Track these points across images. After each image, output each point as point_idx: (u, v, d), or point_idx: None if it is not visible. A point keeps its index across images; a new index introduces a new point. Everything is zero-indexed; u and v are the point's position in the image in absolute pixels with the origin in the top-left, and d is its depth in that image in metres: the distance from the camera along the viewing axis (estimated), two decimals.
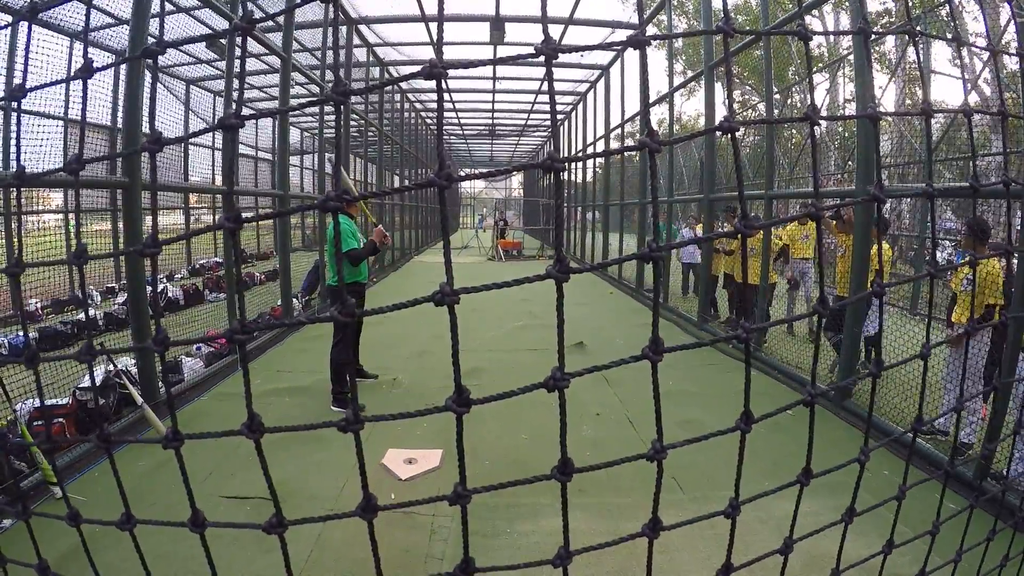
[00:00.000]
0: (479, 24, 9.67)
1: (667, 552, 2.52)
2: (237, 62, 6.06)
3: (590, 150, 14.51)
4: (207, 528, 0.69)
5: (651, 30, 10.53)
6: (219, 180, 12.29)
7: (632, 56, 10.76)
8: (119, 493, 0.74)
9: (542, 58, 0.62)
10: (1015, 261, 3.01)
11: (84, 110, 0.72)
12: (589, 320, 7.68)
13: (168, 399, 0.72)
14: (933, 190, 0.78)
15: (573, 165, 15.25)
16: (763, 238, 5.84)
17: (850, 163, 9.48)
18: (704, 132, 0.75)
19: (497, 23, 9.34)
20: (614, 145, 13.00)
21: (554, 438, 3.71)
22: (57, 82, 0.73)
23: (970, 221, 4.02)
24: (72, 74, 0.66)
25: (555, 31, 10.46)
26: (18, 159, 0.70)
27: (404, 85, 14.44)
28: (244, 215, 0.59)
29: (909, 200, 9.45)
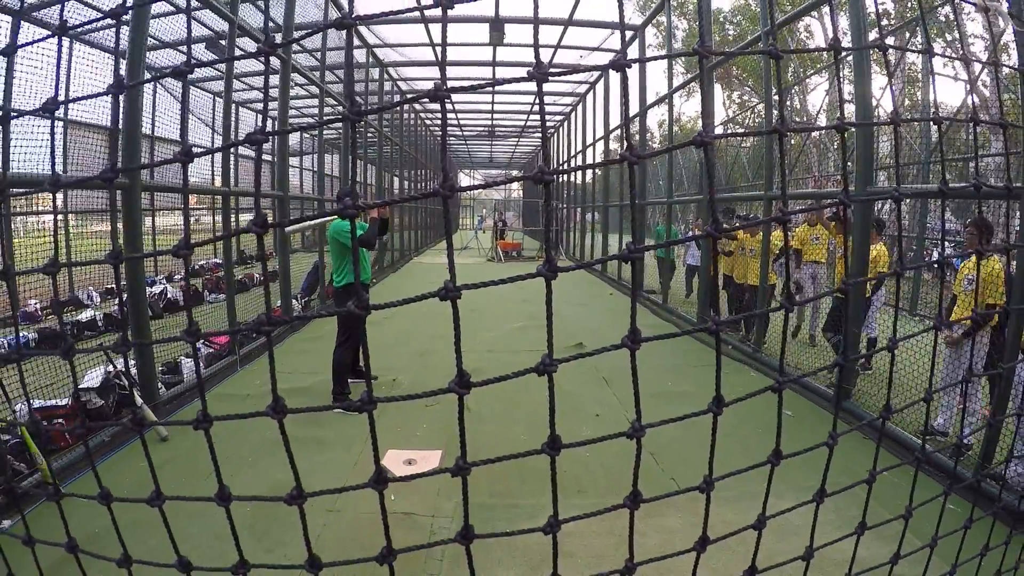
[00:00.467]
0: (479, 25, 9.68)
1: (665, 552, 2.52)
2: (239, 64, 6.07)
3: (589, 151, 14.51)
4: (232, 502, 0.76)
5: (651, 30, 10.51)
6: (218, 181, 12.30)
7: (632, 56, 10.77)
8: (150, 474, 0.82)
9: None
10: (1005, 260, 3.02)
11: (116, 122, 0.75)
12: (588, 321, 7.69)
13: (199, 384, 0.77)
14: (899, 194, 0.79)
15: (573, 166, 15.28)
16: (762, 239, 5.84)
17: (849, 164, 9.49)
18: (680, 146, 0.79)
19: (496, 24, 9.35)
20: (613, 146, 13.01)
21: None
22: (93, 96, 0.75)
23: (976, 220, 4.03)
24: (107, 88, 0.69)
25: (554, 32, 10.47)
26: (52, 166, 0.73)
27: (404, 86, 14.45)
28: (270, 220, 0.65)
29: (908, 201, 9.46)
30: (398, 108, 14.97)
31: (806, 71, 17.00)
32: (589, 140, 14.52)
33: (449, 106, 16.74)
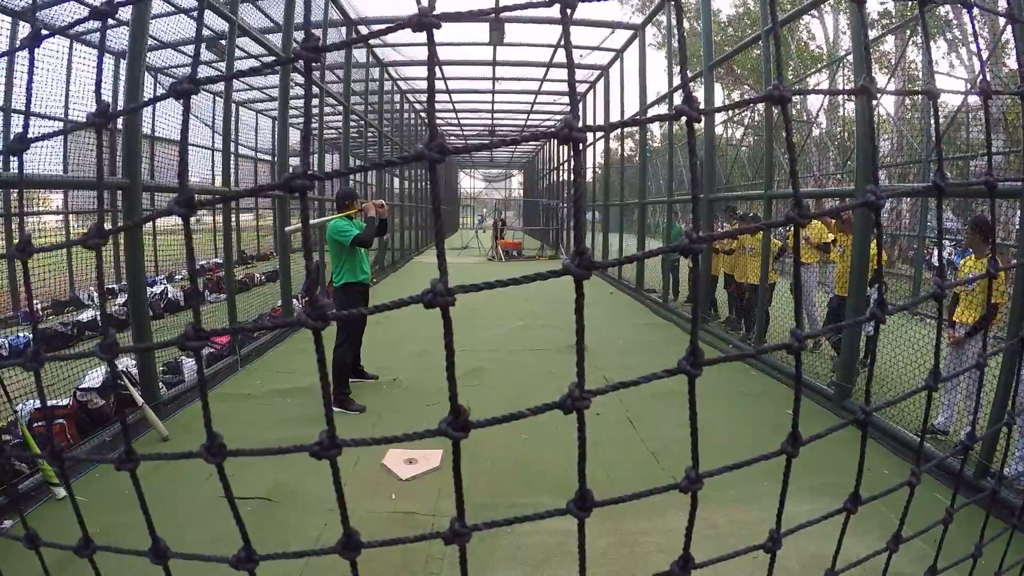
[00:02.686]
0: (478, 25, 9.68)
1: (668, 553, 2.52)
2: (239, 64, 6.07)
3: (589, 151, 14.49)
4: (169, 559, 0.62)
5: (651, 30, 10.50)
6: (219, 181, 12.29)
7: (630, 57, 10.76)
8: (76, 519, 0.70)
9: (548, 41, 0.58)
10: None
11: (30, 83, 0.67)
12: (590, 320, 7.61)
13: (123, 425, 0.66)
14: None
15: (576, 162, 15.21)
16: (763, 238, 5.84)
17: (849, 163, 9.50)
18: (752, 101, 0.66)
19: (496, 23, 9.35)
20: (614, 146, 12.98)
21: (554, 437, 3.71)
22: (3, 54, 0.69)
23: (977, 219, 4.02)
24: (20, 43, 0.59)
25: (552, 32, 10.48)
26: None
27: (404, 85, 14.43)
28: (199, 199, 0.52)
29: (909, 199, 9.45)
30: (398, 109, 14.97)
31: (806, 70, 16.98)
32: (590, 140, 14.50)
33: (449, 105, 16.72)
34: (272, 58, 7.16)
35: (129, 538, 2.35)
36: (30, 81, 0.65)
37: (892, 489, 0.80)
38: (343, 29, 9.61)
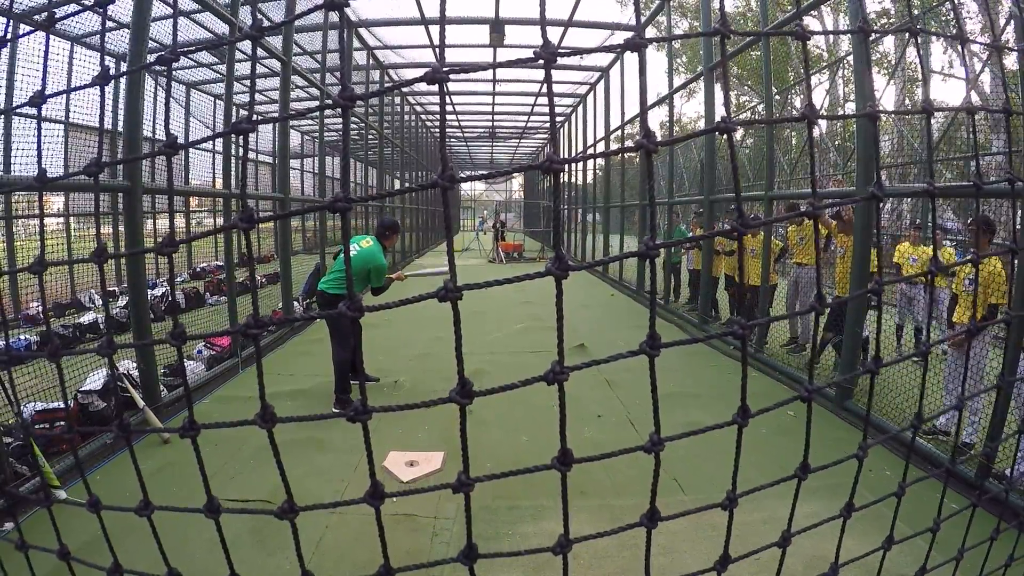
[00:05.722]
0: (478, 27, 9.69)
1: (669, 554, 2.52)
2: (239, 66, 6.08)
3: (590, 152, 14.50)
4: (221, 514, 0.73)
5: (651, 31, 10.52)
6: (219, 183, 12.31)
7: (632, 57, 10.78)
8: (138, 482, 0.80)
9: (541, 61, 0.62)
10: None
11: (102, 116, 0.72)
12: (590, 322, 7.68)
13: (186, 392, 0.75)
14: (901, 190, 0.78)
15: (574, 166, 15.27)
16: (763, 239, 5.84)
17: (849, 163, 9.50)
18: (700, 133, 0.75)
19: (497, 25, 9.36)
20: (614, 147, 12.98)
21: (554, 441, 3.71)
22: (78, 87, 0.73)
23: (979, 218, 4.01)
24: (92, 80, 0.66)
25: (554, 33, 10.48)
26: (39, 162, 0.71)
27: (404, 88, 14.45)
28: (258, 215, 0.61)
29: (909, 200, 9.45)
30: (399, 110, 14.99)
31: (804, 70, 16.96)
32: (590, 141, 14.52)
33: (449, 107, 16.74)
34: (267, 64, 7.16)
35: (135, 538, 2.35)
36: (102, 116, 0.71)
37: (841, 460, 0.90)
38: (346, 32, 9.62)
